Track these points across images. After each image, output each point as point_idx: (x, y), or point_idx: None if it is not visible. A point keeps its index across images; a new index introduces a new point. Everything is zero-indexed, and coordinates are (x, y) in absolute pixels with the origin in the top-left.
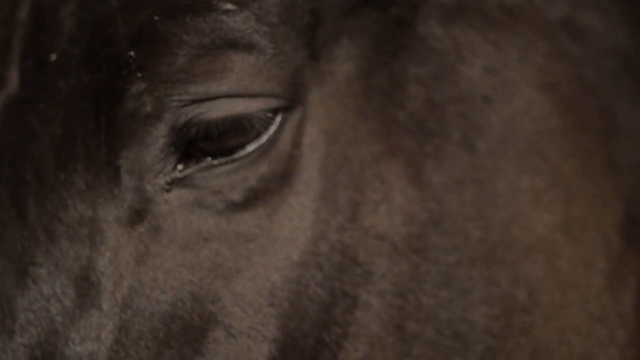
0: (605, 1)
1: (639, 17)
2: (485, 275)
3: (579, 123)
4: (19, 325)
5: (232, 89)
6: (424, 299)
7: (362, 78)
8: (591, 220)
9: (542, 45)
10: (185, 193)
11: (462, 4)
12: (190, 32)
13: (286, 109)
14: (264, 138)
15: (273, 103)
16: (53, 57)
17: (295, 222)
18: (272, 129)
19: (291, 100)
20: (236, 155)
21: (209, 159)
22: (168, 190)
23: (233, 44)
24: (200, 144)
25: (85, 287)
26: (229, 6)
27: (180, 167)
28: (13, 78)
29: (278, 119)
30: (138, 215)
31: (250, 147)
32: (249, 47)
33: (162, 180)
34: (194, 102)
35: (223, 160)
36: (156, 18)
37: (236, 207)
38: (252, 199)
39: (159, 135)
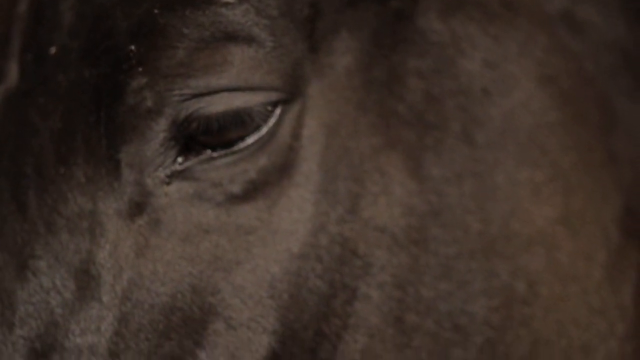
0: None
1: (638, 11)
2: (485, 267)
3: (578, 116)
4: (18, 318)
5: (232, 83)
6: (423, 291)
7: (362, 71)
8: (591, 213)
9: (541, 38)
10: (185, 185)
11: None
12: (190, 25)
13: (286, 102)
14: (264, 130)
15: (273, 96)
16: (53, 50)
17: (295, 215)
18: (272, 121)
19: (291, 92)
20: (236, 148)
21: (208, 151)
22: (168, 183)
23: (233, 37)
24: (200, 137)
25: (85, 279)
26: None
27: (180, 159)
28: (13, 71)
29: (278, 111)
30: (138, 208)
31: (250, 140)
32: (249, 40)
33: (162, 174)
34: (195, 96)
35: (223, 152)
36: (156, 11)
37: (236, 199)
38: (252, 191)
39: (160, 129)
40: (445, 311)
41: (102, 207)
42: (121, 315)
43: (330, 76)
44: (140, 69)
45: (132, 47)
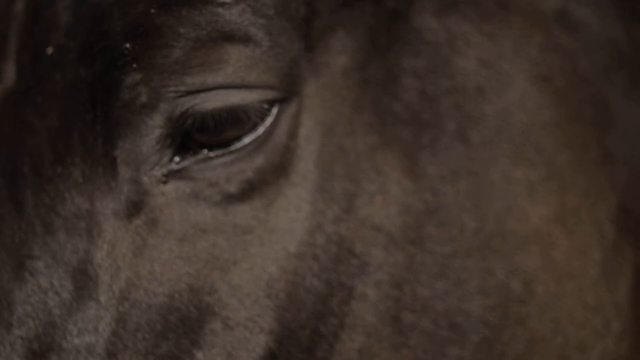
0: None
1: (633, 10)
2: (481, 266)
3: (573, 115)
4: (17, 318)
5: (228, 81)
6: (420, 290)
7: (358, 70)
8: (586, 211)
9: (536, 37)
10: (182, 185)
11: None
12: (186, 25)
13: (282, 101)
14: (261, 130)
15: (269, 95)
16: (50, 50)
17: (291, 214)
18: (269, 120)
19: (287, 92)
20: (233, 148)
21: (205, 151)
22: (165, 183)
23: (229, 37)
24: (196, 136)
25: (83, 280)
26: None
27: (177, 159)
28: (10, 72)
29: (274, 110)
30: (135, 207)
31: (247, 139)
32: (246, 40)
33: (158, 173)
34: (190, 93)
35: (220, 152)
36: (152, 11)
37: (233, 199)
38: (249, 191)
39: (155, 125)
40: (442, 310)
41: (99, 207)
42: (119, 315)
43: (327, 75)
44: (135, 66)
45: (128, 46)
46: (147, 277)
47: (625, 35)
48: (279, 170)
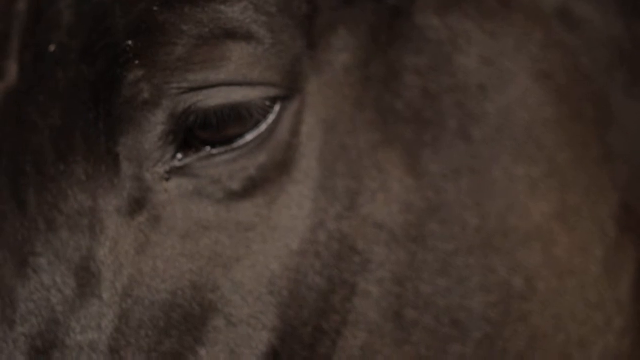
0: None
1: (634, 7)
2: (483, 263)
3: (574, 112)
4: (19, 315)
5: (230, 77)
6: (422, 286)
7: (360, 67)
8: (587, 208)
9: (537, 35)
10: (184, 182)
11: None
12: (188, 23)
13: (285, 98)
14: (263, 127)
15: (271, 92)
16: (52, 48)
17: (294, 211)
18: (271, 118)
19: (289, 89)
20: (235, 145)
21: (208, 148)
22: (167, 179)
23: (231, 34)
24: (199, 132)
25: (86, 276)
26: None
27: (179, 156)
28: (12, 70)
29: (277, 108)
30: (138, 204)
31: (249, 137)
32: (248, 37)
33: (161, 169)
34: (193, 89)
35: (222, 149)
36: (155, 9)
37: (235, 196)
38: (251, 188)
39: (157, 122)
40: (444, 307)
41: (102, 204)
42: (122, 312)
43: (329, 73)
44: (137, 62)
45: (130, 43)
46: (149, 274)
47: (626, 32)
48: (281, 167)
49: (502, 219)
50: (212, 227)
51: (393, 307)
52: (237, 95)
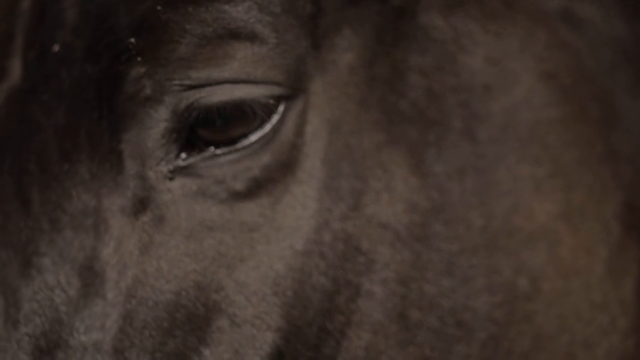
0: None
1: (636, 7)
2: (487, 263)
3: (578, 112)
4: (23, 315)
5: (233, 75)
6: (426, 287)
7: (364, 67)
8: (591, 208)
9: (541, 35)
10: (188, 182)
11: None
12: (192, 22)
13: (289, 98)
14: (267, 127)
15: (275, 90)
16: (56, 47)
17: (298, 211)
18: (275, 118)
19: (294, 89)
20: (239, 145)
21: (212, 148)
22: (171, 179)
23: (235, 34)
24: (203, 132)
25: (90, 276)
26: None
27: (183, 155)
28: (16, 69)
29: (281, 108)
30: (142, 204)
31: (253, 137)
32: (252, 37)
33: (164, 168)
34: (195, 86)
35: (226, 149)
36: (158, 8)
37: (239, 196)
38: (256, 188)
39: (160, 118)
40: (448, 307)
41: (106, 204)
42: (125, 312)
43: (333, 73)
44: (139, 59)
45: (133, 40)
46: (153, 274)
47: (629, 32)
48: (285, 167)
49: (506, 219)
50: (216, 227)
51: (397, 308)
52: (241, 92)
